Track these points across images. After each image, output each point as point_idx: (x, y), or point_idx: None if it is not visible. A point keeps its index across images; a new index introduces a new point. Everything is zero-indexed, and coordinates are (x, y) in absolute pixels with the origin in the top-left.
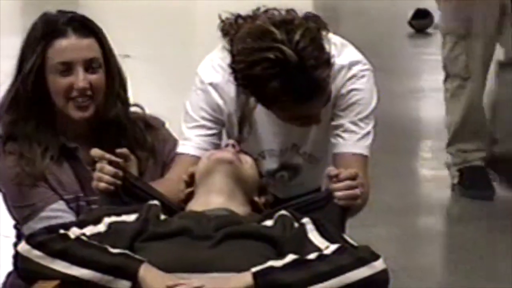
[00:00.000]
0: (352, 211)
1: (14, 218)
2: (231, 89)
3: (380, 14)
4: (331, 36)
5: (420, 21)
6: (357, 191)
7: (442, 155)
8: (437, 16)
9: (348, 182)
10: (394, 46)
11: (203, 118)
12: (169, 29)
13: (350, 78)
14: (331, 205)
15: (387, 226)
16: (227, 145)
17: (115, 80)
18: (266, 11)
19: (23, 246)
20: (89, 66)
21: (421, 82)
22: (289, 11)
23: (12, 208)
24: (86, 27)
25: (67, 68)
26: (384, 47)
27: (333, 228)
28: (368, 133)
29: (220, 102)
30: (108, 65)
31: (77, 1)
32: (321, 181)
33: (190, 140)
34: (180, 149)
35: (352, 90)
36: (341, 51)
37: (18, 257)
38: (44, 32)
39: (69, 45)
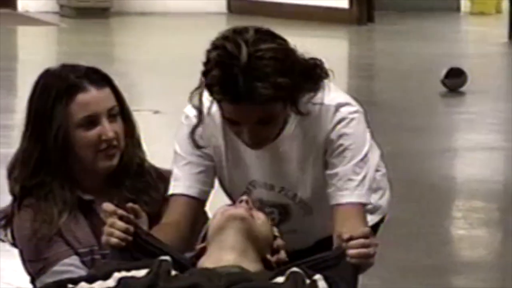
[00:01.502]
0: (362, 268)
1: (28, 273)
2: (216, 119)
3: (413, 72)
4: (331, 86)
5: (454, 80)
6: (370, 249)
7: (471, 215)
8: (470, 75)
9: (361, 241)
10: (427, 104)
11: (191, 153)
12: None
13: (339, 122)
14: (344, 263)
15: (411, 285)
16: (240, 201)
17: (133, 126)
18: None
19: None
20: (110, 115)
21: (453, 141)
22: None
23: (27, 262)
24: (100, 77)
25: (92, 121)
26: (416, 106)
27: (345, 285)
28: (364, 178)
29: (206, 133)
30: (124, 111)
31: (112, 57)
32: (316, 235)
33: (180, 180)
34: (171, 190)
35: (342, 135)
36: (330, 93)
37: None
38: (61, 89)
39: (91, 98)
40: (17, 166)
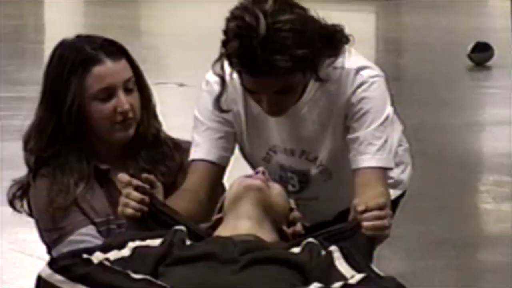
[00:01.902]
0: (379, 239)
1: (44, 242)
2: (237, 85)
3: (440, 46)
4: (352, 50)
5: (480, 54)
6: (385, 221)
7: (495, 189)
8: (497, 49)
9: (376, 213)
10: (453, 78)
11: (211, 119)
12: None
13: (359, 86)
14: (359, 234)
15: (434, 258)
16: (256, 172)
17: (149, 97)
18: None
19: (45, 270)
20: (126, 87)
21: (478, 115)
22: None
23: (43, 232)
24: (116, 49)
25: (108, 93)
26: (443, 80)
27: (360, 257)
28: (385, 142)
29: (227, 98)
30: (140, 83)
31: (139, 30)
32: (337, 205)
33: (200, 146)
34: (192, 156)
35: (362, 98)
36: (350, 57)
37: (40, 281)
38: (77, 61)
39: (107, 71)
40: (32, 137)
